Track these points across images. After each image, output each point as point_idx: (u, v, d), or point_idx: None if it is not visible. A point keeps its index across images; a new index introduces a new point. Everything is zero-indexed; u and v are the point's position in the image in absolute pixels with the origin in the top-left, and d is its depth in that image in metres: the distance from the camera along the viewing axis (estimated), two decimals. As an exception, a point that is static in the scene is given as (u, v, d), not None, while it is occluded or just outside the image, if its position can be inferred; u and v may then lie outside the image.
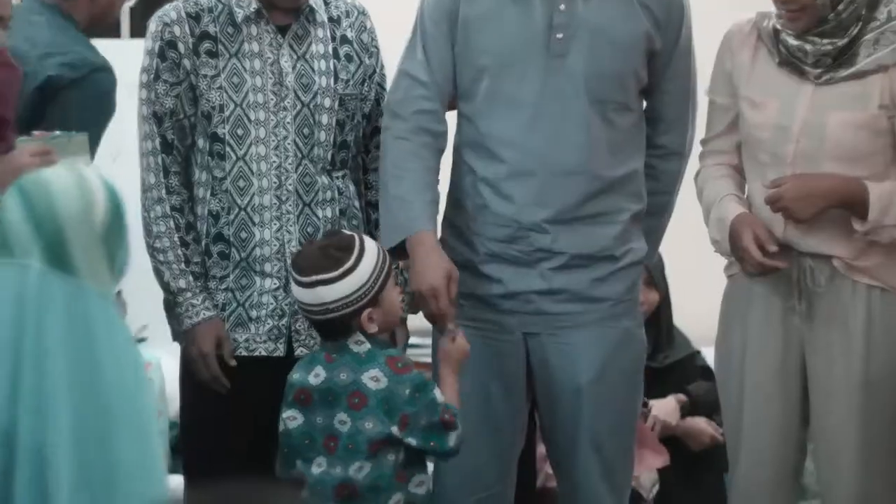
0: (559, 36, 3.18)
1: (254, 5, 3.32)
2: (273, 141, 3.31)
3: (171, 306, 3.36)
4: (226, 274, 3.32)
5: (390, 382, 2.99)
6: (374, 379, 2.99)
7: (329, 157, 3.35)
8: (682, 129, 3.37)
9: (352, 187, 3.42)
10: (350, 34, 3.39)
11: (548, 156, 3.20)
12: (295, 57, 3.33)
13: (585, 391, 3.23)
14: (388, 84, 3.38)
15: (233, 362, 3.29)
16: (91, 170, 2.46)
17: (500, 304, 3.26)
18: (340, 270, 3.00)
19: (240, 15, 3.32)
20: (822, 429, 3.26)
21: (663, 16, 3.25)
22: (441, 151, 3.30)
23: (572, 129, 3.20)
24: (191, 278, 3.31)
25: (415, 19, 3.33)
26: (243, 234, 3.32)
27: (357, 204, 3.43)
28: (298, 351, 3.33)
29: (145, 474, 2.30)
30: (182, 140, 3.33)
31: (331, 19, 3.38)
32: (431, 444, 2.99)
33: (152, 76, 3.33)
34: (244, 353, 3.32)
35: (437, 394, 3.00)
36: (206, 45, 3.31)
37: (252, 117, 3.30)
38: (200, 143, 3.33)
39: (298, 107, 3.32)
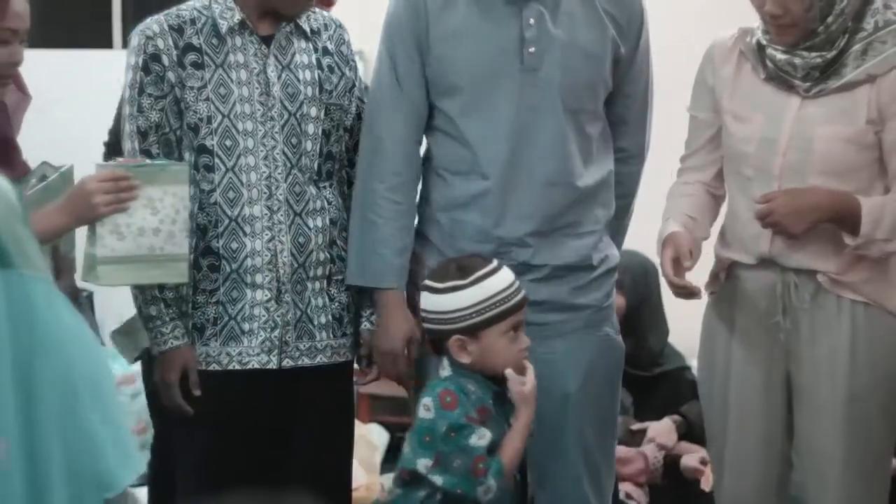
0: (531, 50, 3.21)
1: (238, 16, 3.30)
2: (262, 151, 3.29)
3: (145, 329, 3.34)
4: (216, 287, 3.29)
5: (436, 415, 2.97)
6: (425, 407, 2.99)
7: (316, 167, 3.33)
8: (642, 131, 3.42)
9: (339, 198, 3.40)
10: (331, 46, 3.39)
11: (527, 169, 3.23)
12: (280, 67, 3.32)
13: (572, 398, 3.27)
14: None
15: (197, 392, 3.26)
16: None
17: None
18: (448, 285, 3.01)
19: (224, 26, 3.30)
20: (808, 443, 3.26)
21: (625, 21, 3.29)
22: (417, 183, 3.34)
23: (550, 141, 3.23)
24: (162, 306, 3.28)
25: (379, 44, 3.34)
26: (234, 245, 3.29)
27: (346, 216, 3.40)
28: (285, 362, 3.31)
29: (115, 451, 2.31)
30: (168, 155, 3.30)
31: (312, 31, 3.37)
32: (458, 490, 2.96)
33: (136, 91, 3.29)
34: (237, 367, 3.29)
35: (475, 440, 2.94)
36: (192, 56, 3.29)
37: (240, 128, 3.28)
38: (186, 156, 3.30)
39: (286, 116, 3.30)
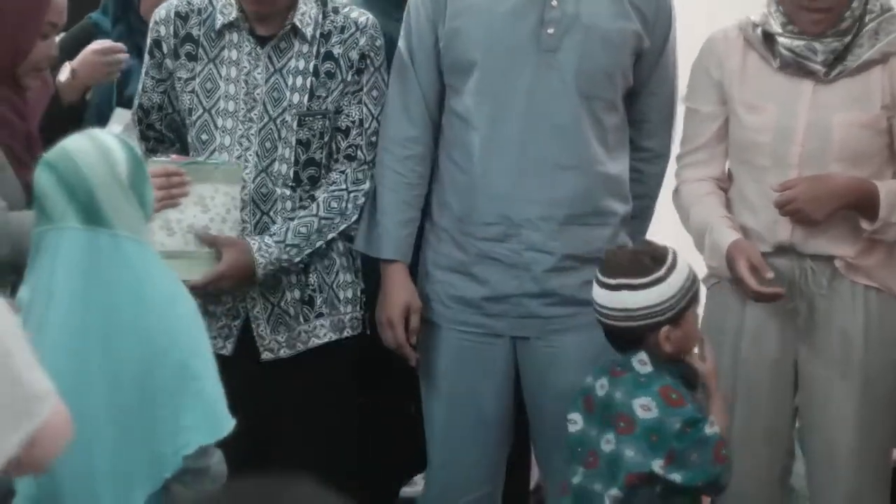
0: (550, 31, 3.20)
1: (234, 14, 3.32)
2: (236, 150, 3.32)
3: None
4: None
5: (661, 414, 2.91)
6: (644, 407, 2.92)
7: (292, 174, 3.33)
8: (667, 131, 3.41)
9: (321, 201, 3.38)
10: (337, 51, 3.34)
11: (539, 151, 3.22)
12: (271, 70, 3.33)
13: (569, 389, 3.19)
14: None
15: None
16: (104, 133, 2.71)
17: (488, 307, 3.29)
18: (650, 278, 2.96)
19: (220, 21, 3.33)
20: (818, 429, 3.29)
21: (652, 16, 3.27)
22: (426, 159, 3.35)
23: (563, 124, 3.22)
24: None
25: (402, 29, 3.35)
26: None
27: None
28: (264, 355, 3.34)
29: (196, 410, 2.53)
30: (174, 133, 3.38)
31: (322, 35, 3.34)
32: (699, 482, 2.92)
33: (145, 70, 3.41)
34: None
35: (709, 429, 2.91)
36: (188, 47, 3.35)
37: (219, 124, 3.32)
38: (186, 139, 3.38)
39: (265, 120, 3.32)
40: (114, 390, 2.48)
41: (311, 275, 3.37)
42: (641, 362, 2.98)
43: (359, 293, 3.44)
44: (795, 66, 3.23)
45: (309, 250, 3.32)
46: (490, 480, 3.38)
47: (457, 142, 3.30)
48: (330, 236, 3.35)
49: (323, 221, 3.33)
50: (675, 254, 3.00)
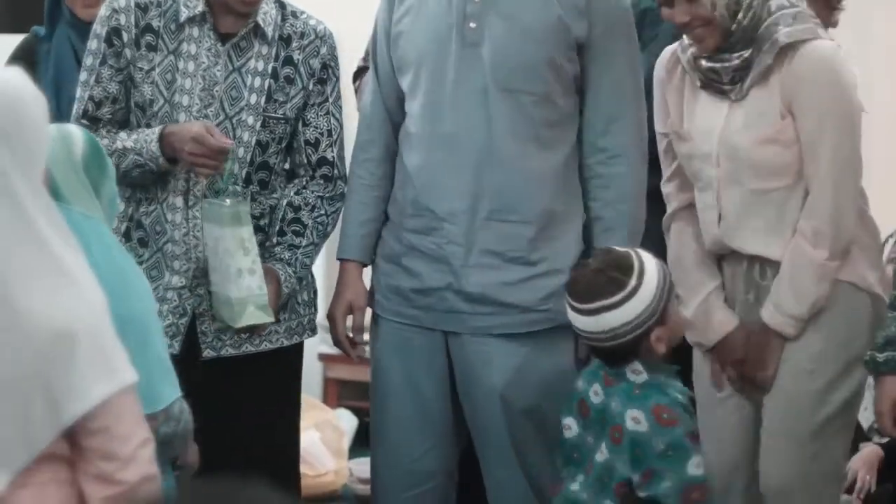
0: (472, 25, 3.18)
1: (200, 7, 3.30)
2: None
3: None
4: (141, 261, 3.29)
5: (649, 430, 2.86)
6: (635, 420, 2.88)
7: (244, 174, 3.31)
8: (621, 128, 3.24)
9: (271, 206, 3.38)
10: (297, 56, 3.35)
11: (463, 145, 3.20)
12: (230, 68, 3.31)
13: (501, 396, 3.21)
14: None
15: None
16: (71, 126, 2.83)
17: (416, 299, 3.28)
18: (626, 292, 2.89)
19: (184, 15, 3.31)
20: (770, 416, 3.21)
21: (583, 3, 3.18)
22: (385, 162, 3.38)
23: (486, 118, 3.18)
24: None
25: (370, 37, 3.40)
26: (158, 228, 3.31)
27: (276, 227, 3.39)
28: (206, 353, 3.32)
29: (159, 371, 2.64)
30: (124, 127, 3.34)
31: (281, 38, 3.34)
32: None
33: (98, 60, 3.35)
34: None
35: (693, 468, 2.85)
36: (148, 38, 3.32)
37: (175, 117, 3.30)
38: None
39: (221, 117, 3.30)
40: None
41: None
42: (635, 372, 2.93)
43: (313, 294, 3.47)
44: (711, 88, 3.17)
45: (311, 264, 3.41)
46: (438, 475, 3.33)
47: (403, 138, 3.32)
48: (322, 243, 3.43)
49: (317, 248, 3.40)
50: (637, 255, 2.94)
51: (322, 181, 3.39)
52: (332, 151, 3.40)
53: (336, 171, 3.40)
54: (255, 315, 3.21)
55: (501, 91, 3.17)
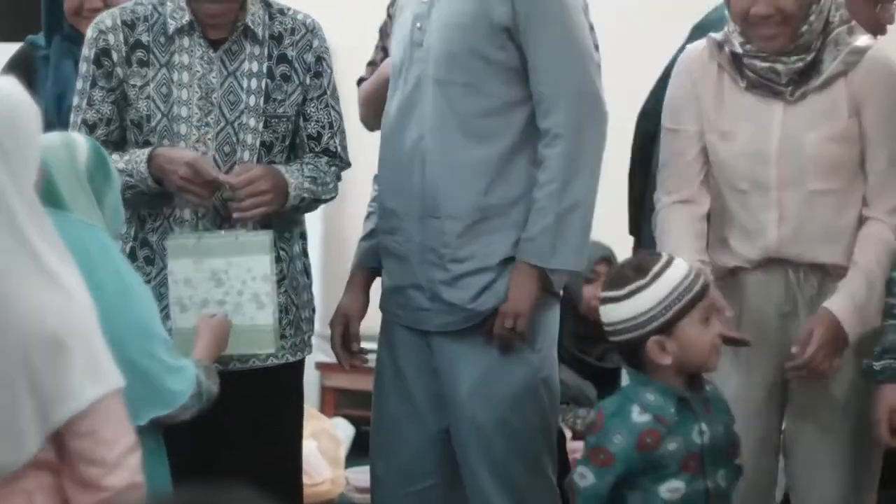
0: (419, 26, 3.24)
1: (187, 17, 3.29)
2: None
3: None
4: (149, 279, 3.26)
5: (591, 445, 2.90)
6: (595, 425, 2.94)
7: None
8: (561, 109, 3.16)
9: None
10: (291, 53, 3.35)
11: (402, 144, 3.25)
12: (225, 73, 3.31)
13: (463, 400, 3.22)
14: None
15: None
16: (76, 135, 2.91)
17: (396, 298, 3.32)
18: (627, 290, 2.89)
19: (172, 26, 3.30)
20: (801, 435, 3.22)
21: None
22: None
23: (423, 113, 3.22)
24: None
25: None
26: (166, 244, 3.28)
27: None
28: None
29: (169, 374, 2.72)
30: (119, 148, 3.31)
31: (271, 36, 3.34)
32: None
33: (88, 83, 3.32)
34: None
35: (579, 480, 2.89)
36: (139, 54, 3.30)
37: (175, 130, 3.29)
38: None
39: (222, 124, 3.30)
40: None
41: (280, 296, 3.31)
42: (627, 377, 2.95)
43: (312, 312, 3.46)
44: (763, 88, 3.17)
45: (313, 198, 3.34)
46: (434, 474, 3.32)
47: None
48: (322, 196, 3.37)
49: (312, 185, 3.33)
50: (667, 262, 2.92)
51: (322, 154, 3.40)
52: (335, 142, 3.40)
53: (339, 161, 3.41)
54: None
55: (433, 84, 3.20)
